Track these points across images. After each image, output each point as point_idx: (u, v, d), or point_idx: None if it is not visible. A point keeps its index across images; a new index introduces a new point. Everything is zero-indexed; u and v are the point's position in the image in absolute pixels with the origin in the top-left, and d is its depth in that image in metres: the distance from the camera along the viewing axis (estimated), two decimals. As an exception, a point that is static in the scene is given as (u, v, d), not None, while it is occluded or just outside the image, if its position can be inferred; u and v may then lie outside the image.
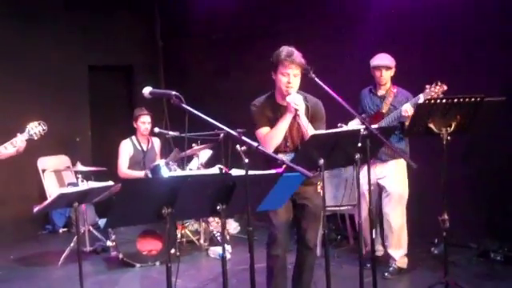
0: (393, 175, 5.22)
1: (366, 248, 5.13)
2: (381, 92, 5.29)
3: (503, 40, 5.50)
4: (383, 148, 4.70)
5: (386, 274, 5.21)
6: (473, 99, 4.11)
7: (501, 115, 4.96)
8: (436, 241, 5.74)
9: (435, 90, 4.74)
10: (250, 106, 3.99)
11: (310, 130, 3.76)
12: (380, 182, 5.28)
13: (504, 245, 5.39)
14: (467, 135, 4.33)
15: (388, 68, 5.21)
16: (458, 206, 4.91)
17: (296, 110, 3.72)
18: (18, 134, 4.67)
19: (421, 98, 4.76)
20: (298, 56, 3.80)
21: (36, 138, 4.74)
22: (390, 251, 5.29)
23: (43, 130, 4.76)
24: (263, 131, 3.88)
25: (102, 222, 6.22)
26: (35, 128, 4.70)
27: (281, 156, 3.75)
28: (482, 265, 5.35)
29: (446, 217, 4.18)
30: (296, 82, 3.82)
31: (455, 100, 4.12)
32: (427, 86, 4.78)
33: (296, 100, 3.73)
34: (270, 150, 3.69)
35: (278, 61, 3.81)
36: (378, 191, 5.33)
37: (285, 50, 3.83)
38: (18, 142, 4.61)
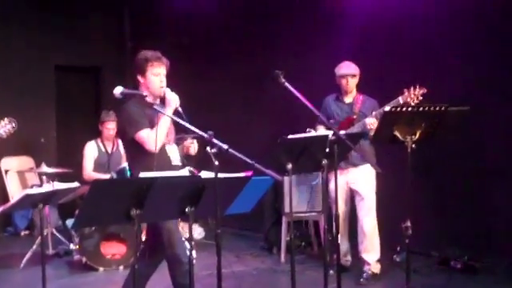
0: (366, 179, 5.25)
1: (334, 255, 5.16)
2: (348, 99, 5.35)
3: (476, 48, 5.58)
4: (355, 153, 4.74)
5: (362, 279, 5.22)
6: (437, 108, 4.17)
7: (465, 124, 5.08)
8: (398, 248, 5.80)
9: (415, 93, 4.78)
10: (124, 110, 3.82)
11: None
12: (352, 187, 5.31)
13: (464, 253, 5.48)
14: (431, 144, 4.40)
15: (354, 76, 5.28)
16: (421, 214, 4.98)
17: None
18: None
19: (388, 107, 4.77)
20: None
21: (5, 137, 4.57)
22: (364, 255, 5.29)
23: (13, 127, 4.57)
24: (147, 133, 3.76)
25: (69, 222, 6.11)
26: (5, 126, 4.53)
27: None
28: (442, 273, 5.42)
29: (408, 224, 4.18)
30: (165, 80, 3.90)
31: (420, 109, 4.19)
32: (405, 90, 4.82)
33: (175, 96, 3.80)
34: (156, 150, 3.69)
35: (147, 62, 3.85)
36: (351, 197, 5.37)
37: (148, 52, 3.90)
38: None
